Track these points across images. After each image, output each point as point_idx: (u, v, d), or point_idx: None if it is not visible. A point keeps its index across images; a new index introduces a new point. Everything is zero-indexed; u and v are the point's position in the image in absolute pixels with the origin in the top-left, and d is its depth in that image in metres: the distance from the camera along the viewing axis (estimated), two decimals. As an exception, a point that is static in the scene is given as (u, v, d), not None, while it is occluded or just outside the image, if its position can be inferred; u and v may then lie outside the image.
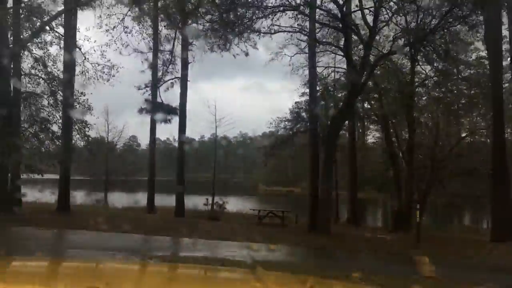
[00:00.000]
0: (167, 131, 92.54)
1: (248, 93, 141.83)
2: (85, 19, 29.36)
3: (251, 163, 72.45)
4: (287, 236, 14.90)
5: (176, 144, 26.34)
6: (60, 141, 17.79)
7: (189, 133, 30.83)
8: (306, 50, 20.31)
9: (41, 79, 18.15)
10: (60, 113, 18.35)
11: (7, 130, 15.39)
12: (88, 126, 18.80)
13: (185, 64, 22.09)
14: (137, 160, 57.71)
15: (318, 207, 15.88)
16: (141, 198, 27.88)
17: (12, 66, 17.51)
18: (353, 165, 25.78)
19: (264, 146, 20.63)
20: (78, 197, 30.32)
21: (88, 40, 19.52)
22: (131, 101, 40.47)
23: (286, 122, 21.93)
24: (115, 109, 71.04)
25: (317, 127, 19.02)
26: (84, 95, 18.92)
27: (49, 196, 23.72)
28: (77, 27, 18.92)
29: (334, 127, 16.31)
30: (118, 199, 34.11)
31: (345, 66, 25.02)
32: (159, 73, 23.19)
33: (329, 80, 25.63)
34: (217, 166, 33.46)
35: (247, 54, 22.10)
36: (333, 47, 21.69)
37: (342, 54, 24.09)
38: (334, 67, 26.50)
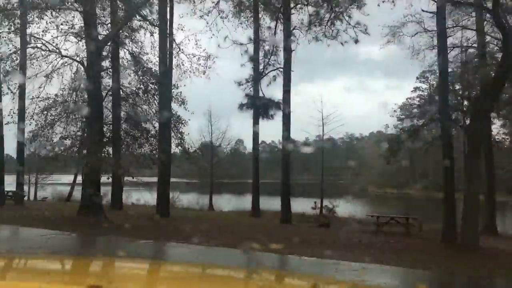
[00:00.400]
0: (273, 135, 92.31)
1: (351, 93, 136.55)
2: (178, 7, 28.69)
3: (359, 164, 68.63)
4: (423, 251, 11.83)
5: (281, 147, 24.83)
6: (155, 140, 16.14)
7: (293, 134, 29.51)
8: (429, 27, 17.73)
9: (133, 73, 16.93)
10: (154, 110, 16.90)
11: (100, 131, 14.36)
12: (182, 122, 17.00)
13: (288, 52, 19.73)
14: (244, 162, 57.75)
15: (463, 214, 12.51)
16: (246, 201, 27.01)
17: (110, 63, 16.75)
18: (490, 162, 21.42)
19: (389, 139, 17.55)
20: (183, 200, 30.06)
21: (182, 29, 18.37)
22: (236, 103, 39.67)
23: (415, 110, 18.76)
24: (219, 113, 72.52)
25: (451, 118, 15.79)
26: (177, 88, 17.68)
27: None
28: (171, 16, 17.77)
29: (482, 113, 12.77)
30: (224, 202, 33.69)
31: (476, 45, 21.40)
32: (260, 66, 21.35)
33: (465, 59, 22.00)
34: (323, 167, 31.81)
35: (356, 41, 20.29)
36: (466, 17, 18.34)
37: (474, 28, 20.54)
38: (461, 46, 22.53)
